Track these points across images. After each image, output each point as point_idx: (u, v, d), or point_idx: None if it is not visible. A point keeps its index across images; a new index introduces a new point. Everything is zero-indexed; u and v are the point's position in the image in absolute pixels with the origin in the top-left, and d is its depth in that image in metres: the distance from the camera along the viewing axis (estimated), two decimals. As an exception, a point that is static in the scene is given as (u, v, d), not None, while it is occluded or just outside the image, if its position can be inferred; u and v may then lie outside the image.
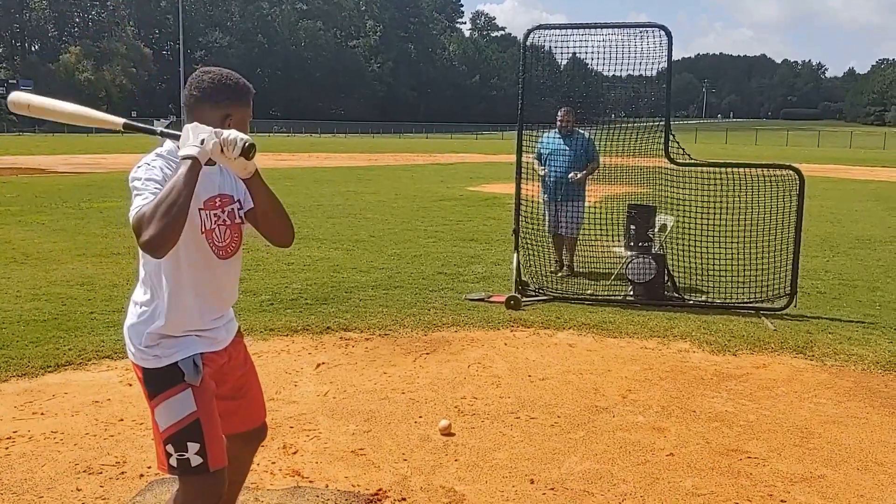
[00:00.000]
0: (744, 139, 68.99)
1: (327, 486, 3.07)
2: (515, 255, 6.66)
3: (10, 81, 74.60)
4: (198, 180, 1.89)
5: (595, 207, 7.57)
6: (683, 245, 6.66)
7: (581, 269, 7.46)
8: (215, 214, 2.10)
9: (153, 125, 2.19)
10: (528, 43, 6.65)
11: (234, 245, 2.16)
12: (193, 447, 2.04)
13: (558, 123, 7.35)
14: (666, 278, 6.45)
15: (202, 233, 2.06)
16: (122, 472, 3.14)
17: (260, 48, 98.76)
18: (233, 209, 2.15)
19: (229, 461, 2.15)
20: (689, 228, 6.62)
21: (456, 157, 34.85)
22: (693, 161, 6.32)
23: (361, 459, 3.32)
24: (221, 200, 2.13)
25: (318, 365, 4.61)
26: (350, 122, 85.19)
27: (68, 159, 26.65)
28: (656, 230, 6.66)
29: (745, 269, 6.45)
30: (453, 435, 3.59)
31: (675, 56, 6.42)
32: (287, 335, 5.22)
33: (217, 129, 1.93)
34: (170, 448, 2.05)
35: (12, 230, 9.75)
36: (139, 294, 2.11)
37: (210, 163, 2.00)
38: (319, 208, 12.70)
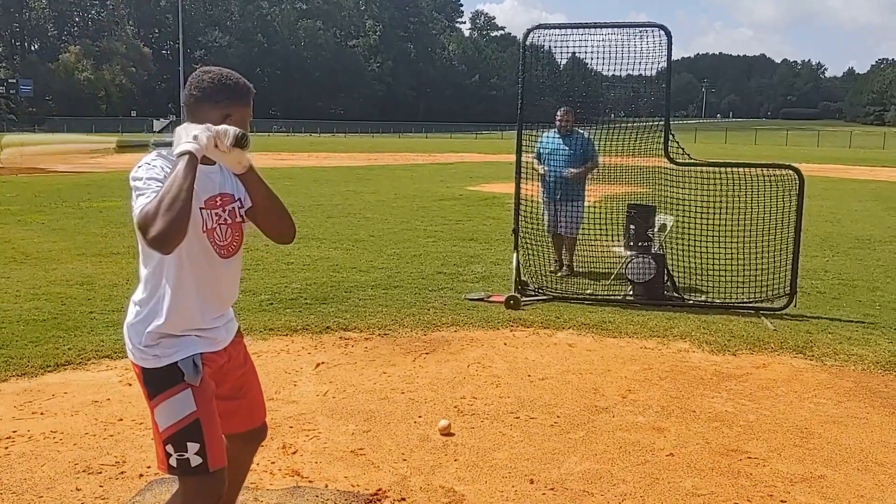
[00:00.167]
0: (743, 139, 69.04)
1: (327, 486, 3.07)
2: (515, 254, 6.65)
3: (10, 80, 74.63)
4: (196, 178, 1.89)
5: (594, 207, 7.57)
6: (683, 245, 6.66)
7: (580, 269, 7.46)
8: (216, 213, 2.10)
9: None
10: (527, 42, 6.64)
11: (235, 244, 2.17)
12: (193, 447, 2.04)
13: (557, 123, 7.35)
14: (665, 278, 6.45)
15: (204, 232, 2.07)
16: (122, 472, 3.14)
17: (259, 48, 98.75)
18: (234, 208, 2.16)
19: (229, 461, 2.15)
20: (689, 228, 6.62)
21: (455, 156, 34.84)
22: (693, 161, 6.31)
23: (361, 459, 3.31)
24: (222, 199, 2.13)
25: (318, 365, 4.61)
26: (349, 122, 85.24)
27: (68, 158, 26.62)
28: (656, 230, 6.65)
29: (744, 269, 6.45)
30: (453, 435, 3.59)
31: (675, 56, 6.42)
32: (286, 335, 5.22)
33: (208, 125, 1.93)
34: (169, 448, 2.05)
35: (12, 229, 9.74)
36: (139, 294, 2.10)
37: (208, 162, 2.01)
38: (319, 208, 12.70)
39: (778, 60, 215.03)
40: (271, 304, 6.04)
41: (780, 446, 3.54)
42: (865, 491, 3.12)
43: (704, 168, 6.49)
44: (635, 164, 7.01)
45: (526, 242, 6.91)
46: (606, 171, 7.30)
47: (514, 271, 6.54)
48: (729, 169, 6.47)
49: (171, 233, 1.80)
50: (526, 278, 6.74)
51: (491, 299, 6.34)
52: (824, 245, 9.65)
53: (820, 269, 7.97)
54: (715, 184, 6.41)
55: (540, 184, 7.41)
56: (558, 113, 7.32)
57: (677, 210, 6.69)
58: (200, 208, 2.04)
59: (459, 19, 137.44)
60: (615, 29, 6.63)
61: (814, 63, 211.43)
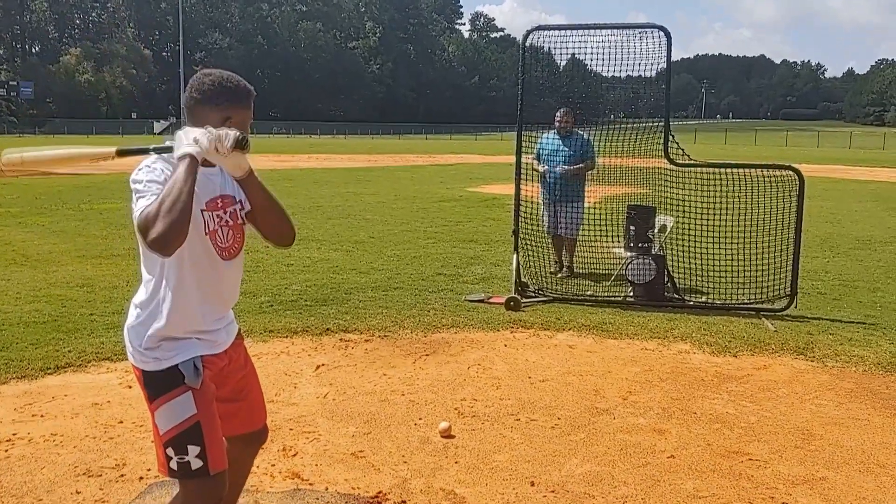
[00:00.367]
0: (743, 139, 69.02)
1: (327, 488, 3.06)
2: (515, 256, 6.65)
3: (11, 83, 74.69)
4: (197, 180, 1.90)
5: (594, 208, 7.57)
6: (683, 246, 6.66)
7: (581, 270, 7.46)
8: (218, 215, 2.10)
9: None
10: (527, 44, 6.64)
11: (237, 246, 2.17)
12: (194, 450, 2.03)
13: (557, 124, 7.35)
14: (666, 279, 6.44)
15: (206, 234, 2.07)
16: (122, 475, 3.13)
17: (260, 49, 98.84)
18: (235, 210, 2.16)
19: (229, 464, 2.15)
20: (689, 229, 6.62)
21: (455, 157, 34.84)
22: (693, 162, 6.31)
23: (361, 462, 3.31)
24: (223, 201, 2.13)
25: (318, 367, 4.60)
26: (349, 124, 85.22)
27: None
28: (656, 231, 6.65)
29: (745, 270, 6.44)
30: (453, 437, 3.59)
31: (675, 56, 6.42)
32: (287, 337, 5.22)
33: (208, 127, 1.93)
34: (170, 451, 2.05)
35: (12, 231, 9.74)
36: (140, 296, 2.10)
37: (208, 164, 2.01)
38: (319, 209, 12.70)
39: (777, 61, 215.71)
40: (271, 305, 6.03)
41: (782, 448, 3.54)
42: (867, 493, 3.12)
43: (704, 169, 6.49)
44: (635, 165, 7.00)
45: (526, 244, 6.91)
46: (606, 172, 7.29)
47: (514, 272, 6.53)
48: (729, 170, 6.47)
49: (172, 235, 1.80)
50: (526, 279, 6.73)
51: (491, 301, 6.33)
52: (825, 246, 9.65)
53: (820, 270, 7.96)
54: (715, 185, 6.41)
55: (540, 185, 7.42)
56: (558, 114, 7.33)
57: (677, 211, 6.69)
58: (202, 210, 2.04)
59: (459, 21, 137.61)
60: (615, 30, 6.63)
61: (813, 63, 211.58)
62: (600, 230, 7.36)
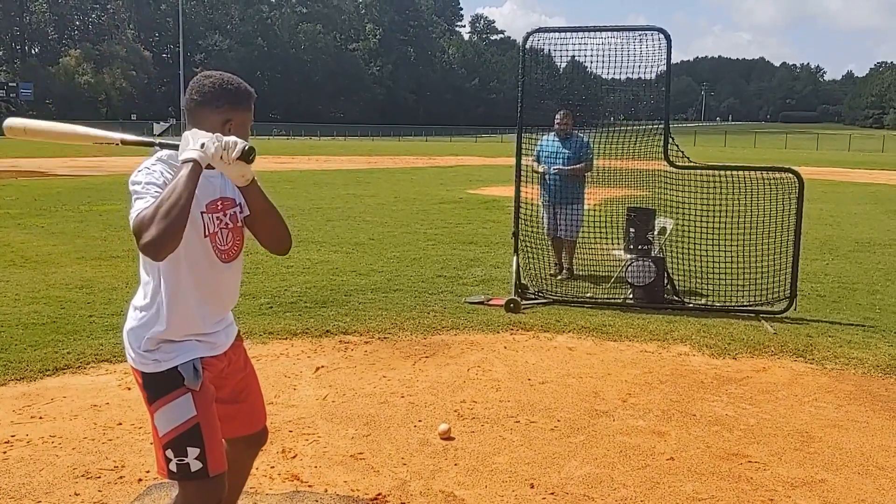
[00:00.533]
0: (743, 142, 69.08)
1: (326, 490, 3.06)
2: (515, 258, 6.65)
3: (11, 84, 74.69)
4: (198, 184, 1.89)
5: (594, 210, 7.57)
6: (683, 248, 6.66)
7: (580, 272, 7.46)
8: (217, 218, 2.10)
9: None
10: (527, 46, 6.64)
11: (236, 248, 2.16)
12: (193, 452, 2.03)
13: (556, 126, 7.36)
14: (665, 281, 6.44)
15: (206, 236, 2.06)
16: (121, 477, 3.13)
17: (260, 51, 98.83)
18: (234, 212, 2.15)
19: (229, 465, 2.15)
20: (689, 231, 6.62)
21: (455, 159, 34.85)
22: (692, 164, 6.31)
23: (360, 464, 3.31)
24: (223, 203, 2.13)
25: (318, 368, 4.60)
26: (349, 125, 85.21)
27: (68, 162, 26.63)
28: (656, 233, 6.65)
29: (744, 273, 6.44)
30: (453, 439, 3.59)
31: (674, 59, 6.42)
32: (286, 338, 5.22)
33: (217, 134, 1.92)
34: (169, 453, 2.04)
35: (11, 233, 9.74)
36: (140, 298, 2.10)
37: (210, 168, 2.00)
38: (319, 211, 12.70)
39: (777, 63, 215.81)
40: (271, 307, 6.03)
41: (781, 450, 3.54)
42: (866, 495, 3.12)
43: (704, 171, 6.49)
44: (635, 168, 7.01)
45: (526, 246, 6.91)
46: (606, 175, 7.29)
47: (513, 275, 6.53)
48: (729, 172, 6.47)
49: (165, 240, 1.79)
50: (526, 282, 6.73)
51: (491, 303, 6.33)
52: (824, 248, 9.65)
53: (820, 273, 7.97)
54: (715, 187, 6.41)
55: (539, 187, 7.42)
56: (557, 116, 7.33)
57: (677, 213, 6.69)
58: (202, 212, 2.04)
59: (459, 23, 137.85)
60: (614, 32, 6.64)
61: (813, 66, 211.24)
62: (600, 232, 7.36)
